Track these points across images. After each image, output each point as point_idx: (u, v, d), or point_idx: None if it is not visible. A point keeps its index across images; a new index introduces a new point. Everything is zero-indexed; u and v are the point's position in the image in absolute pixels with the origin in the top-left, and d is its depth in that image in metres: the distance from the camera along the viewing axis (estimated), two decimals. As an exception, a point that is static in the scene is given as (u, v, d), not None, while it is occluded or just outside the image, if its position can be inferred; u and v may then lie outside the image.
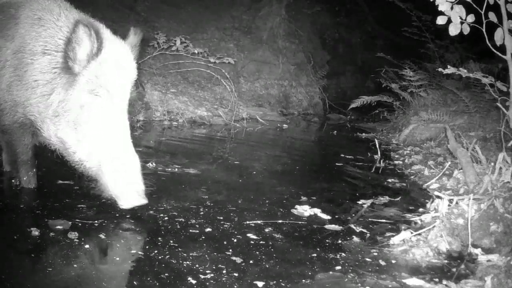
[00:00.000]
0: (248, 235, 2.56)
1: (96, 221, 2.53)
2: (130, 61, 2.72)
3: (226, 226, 2.65)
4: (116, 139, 2.57)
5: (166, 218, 2.68)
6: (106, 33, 2.68)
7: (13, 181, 2.97)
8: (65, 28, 2.72)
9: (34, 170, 2.97)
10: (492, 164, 3.32)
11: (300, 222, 2.81)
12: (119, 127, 2.60)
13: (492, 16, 2.90)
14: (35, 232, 2.33)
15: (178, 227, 2.57)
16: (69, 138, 2.62)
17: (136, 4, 7.72)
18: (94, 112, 2.57)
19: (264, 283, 2.06)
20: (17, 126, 2.81)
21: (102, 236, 2.38)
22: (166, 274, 2.08)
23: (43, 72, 2.69)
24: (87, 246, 2.26)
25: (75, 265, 2.08)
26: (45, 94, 2.68)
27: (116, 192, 2.53)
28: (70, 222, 2.47)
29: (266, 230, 2.65)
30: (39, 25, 2.74)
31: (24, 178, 2.93)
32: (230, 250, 2.35)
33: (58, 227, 2.42)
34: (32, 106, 2.72)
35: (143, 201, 2.55)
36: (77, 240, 2.30)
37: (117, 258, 2.19)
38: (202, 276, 2.07)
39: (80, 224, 2.48)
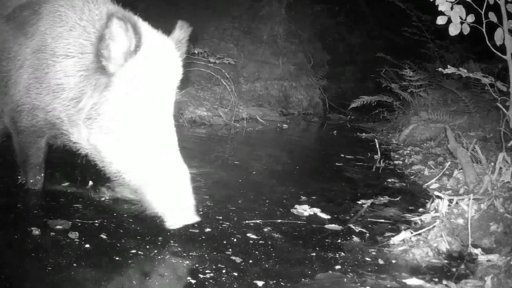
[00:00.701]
0: (248, 234, 2.55)
1: (96, 221, 2.52)
2: (174, 58, 2.43)
3: (226, 225, 2.65)
4: (161, 148, 2.30)
5: (166, 218, 2.68)
6: (145, 27, 2.40)
7: (18, 177, 2.94)
8: (90, 28, 2.49)
9: (42, 174, 2.88)
10: (492, 164, 3.32)
11: (299, 222, 2.81)
12: (164, 133, 2.33)
13: (492, 16, 2.90)
14: (36, 231, 2.33)
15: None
16: (105, 146, 2.35)
17: (136, 4, 7.72)
18: (134, 116, 2.29)
19: (263, 282, 2.06)
20: (34, 129, 2.65)
21: (102, 236, 2.38)
22: (166, 274, 2.08)
23: (67, 76, 2.47)
24: (87, 246, 2.25)
25: (75, 264, 2.07)
26: (73, 98, 2.45)
27: (162, 209, 2.29)
28: (70, 222, 2.46)
29: (266, 229, 2.64)
30: (60, 24, 2.54)
31: (31, 181, 2.84)
32: (230, 250, 2.35)
33: (58, 227, 2.41)
34: (56, 110, 2.52)
35: (194, 218, 2.32)
36: (78, 240, 2.29)
37: (117, 258, 2.19)
38: (201, 276, 2.07)
39: (80, 224, 2.47)
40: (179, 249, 2.31)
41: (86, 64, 2.42)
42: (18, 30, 2.67)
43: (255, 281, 2.06)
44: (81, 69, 2.44)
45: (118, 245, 2.33)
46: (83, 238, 2.31)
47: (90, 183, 3.00)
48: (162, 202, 2.27)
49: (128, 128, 2.30)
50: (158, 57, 2.33)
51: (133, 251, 2.27)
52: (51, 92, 2.52)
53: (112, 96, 2.32)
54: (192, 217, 2.32)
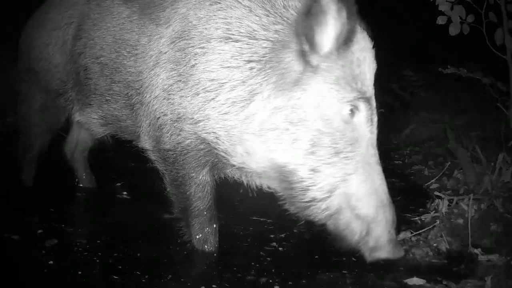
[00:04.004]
0: (247, 234, 2.55)
1: (73, 227, 2.48)
2: (374, 60, 1.92)
3: (224, 224, 2.64)
4: (372, 171, 1.84)
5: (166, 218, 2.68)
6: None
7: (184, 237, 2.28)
8: (259, 10, 1.89)
9: (214, 227, 2.20)
10: (492, 164, 3.32)
11: (299, 221, 2.80)
12: (372, 151, 1.86)
13: (492, 16, 2.90)
14: (14, 237, 2.28)
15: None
16: (300, 165, 1.80)
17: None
18: (347, 128, 1.78)
19: (262, 283, 2.06)
20: (180, 150, 2.01)
21: (79, 243, 2.32)
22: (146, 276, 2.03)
23: (227, 67, 1.86)
24: (65, 253, 2.20)
25: (52, 272, 2.03)
26: (235, 102, 1.85)
27: (368, 245, 1.89)
28: (49, 229, 2.41)
29: (265, 229, 2.64)
30: (209, 3, 1.99)
31: (198, 236, 2.16)
32: (228, 249, 2.34)
33: (39, 231, 2.35)
34: (210, 119, 1.91)
35: (401, 252, 1.95)
36: (55, 247, 2.24)
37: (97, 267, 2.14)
38: (194, 273, 2.06)
39: (59, 231, 2.41)
40: (163, 248, 2.30)
41: (260, 53, 1.84)
42: (144, 16, 2.15)
43: (254, 281, 2.06)
44: (251, 59, 1.84)
45: (99, 252, 2.25)
46: (61, 245, 2.24)
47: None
48: (370, 238, 1.88)
49: (339, 144, 1.78)
50: (369, 54, 1.85)
51: (110, 261, 2.19)
52: (201, 92, 1.91)
53: (316, 99, 1.76)
54: (399, 251, 1.94)
